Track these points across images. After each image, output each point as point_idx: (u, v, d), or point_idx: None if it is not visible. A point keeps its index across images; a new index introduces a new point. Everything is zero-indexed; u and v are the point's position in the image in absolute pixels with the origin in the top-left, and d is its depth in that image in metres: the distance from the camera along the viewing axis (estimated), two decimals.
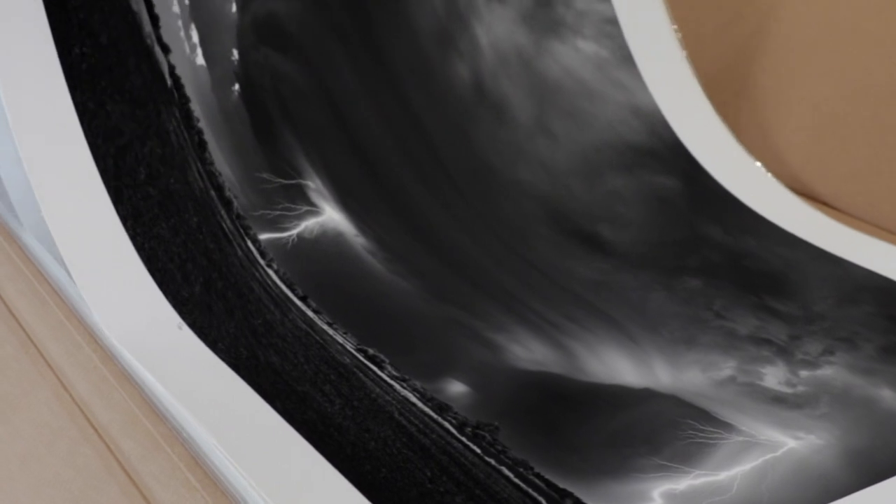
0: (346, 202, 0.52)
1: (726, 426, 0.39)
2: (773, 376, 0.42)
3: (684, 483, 0.36)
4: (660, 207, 0.55)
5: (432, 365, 0.43)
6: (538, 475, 0.37)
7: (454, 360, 0.44)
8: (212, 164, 0.50)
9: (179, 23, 0.51)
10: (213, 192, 0.49)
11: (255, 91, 0.53)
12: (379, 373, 0.42)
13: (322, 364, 0.42)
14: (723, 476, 0.37)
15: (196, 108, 0.50)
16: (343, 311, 0.46)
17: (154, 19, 0.50)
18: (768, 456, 0.37)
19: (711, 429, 0.39)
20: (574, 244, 0.52)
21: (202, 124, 0.50)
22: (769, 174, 0.56)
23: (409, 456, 0.37)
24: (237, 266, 0.47)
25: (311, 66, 0.55)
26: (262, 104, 0.53)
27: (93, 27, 0.46)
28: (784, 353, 0.44)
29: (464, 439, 0.39)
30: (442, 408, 0.40)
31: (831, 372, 0.42)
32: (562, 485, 0.36)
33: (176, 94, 0.50)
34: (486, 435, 0.39)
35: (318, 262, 0.50)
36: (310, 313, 0.46)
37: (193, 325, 0.42)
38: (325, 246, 0.50)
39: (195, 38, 0.51)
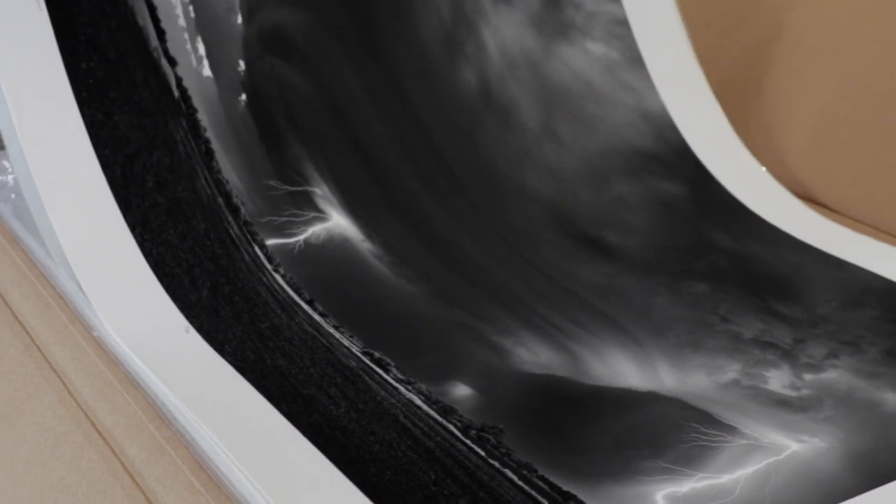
0: (353, 208, 0.53)
1: (730, 429, 0.39)
2: (778, 379, 0.42)
3: (687, 486, 0.36)
4: (666, 213, 0.55)
5: (437, 368, 0.43)
6: (542, 478, 0.37)
7: (459, 364, 0.44)
8: (219, 172, 0.50)
9: (186, 35, 0.51)
10: (220, 200, 0.49)
11: (262, 100, 0.54)
12: (384, 376, 0.43)
13: (328, 367, 0.42)
14: (726, 479, 0.37)
15: (203, 117, 0.51)
16: (349, 314, 0.47)
17: (160, 33, 0.50)
18: (772, 459, 0.37)
19: (715, 432, 0.39)
20: (580, 249, 0.52)
21: (209, 133, 0.51)
22: (774, 179, 0.56)
23: (413, 458, 0.37)
24: (244, 271, 0.47)
25: (316, 74, 0.55)
26: (268, 113, 0.53)
27: (100, 43, 0.47)
28: (788, 356, 0.44)
29: (468, 442, 0.39)
30: (447, 410, 0.41)
31: (835, 375, 0.42)
32: (566, 487, 0.36)
33: (183, 105, 0.50)
34: (491, 437, 0.39)
35: (324, 266, 0.50)
36: (316, 317, 0.46)
37: (201, 329, 0.42)
38: (331, 251, 0.51)
39: (201, 50, 0.52)
